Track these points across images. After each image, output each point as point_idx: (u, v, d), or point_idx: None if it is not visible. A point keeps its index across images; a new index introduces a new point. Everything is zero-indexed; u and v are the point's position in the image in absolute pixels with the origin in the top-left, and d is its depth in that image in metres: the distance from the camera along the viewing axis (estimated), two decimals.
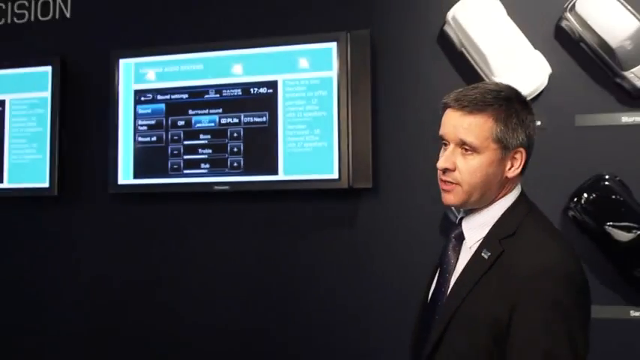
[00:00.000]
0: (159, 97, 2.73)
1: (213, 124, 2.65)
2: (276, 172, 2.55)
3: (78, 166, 2.89)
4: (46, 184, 2.83)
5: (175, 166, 2.68)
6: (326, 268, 2.57)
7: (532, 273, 1.21)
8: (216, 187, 2.62)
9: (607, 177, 2.21)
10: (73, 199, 2.89)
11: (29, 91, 2.90)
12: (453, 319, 1.28)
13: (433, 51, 2.49)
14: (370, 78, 2.50)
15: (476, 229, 1.35)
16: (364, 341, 2.51)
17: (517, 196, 1.36)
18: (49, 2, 3.00)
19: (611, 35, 2.23)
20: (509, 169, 1.32)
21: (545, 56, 2.31)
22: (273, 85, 2.59)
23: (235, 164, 2.61)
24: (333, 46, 2.52)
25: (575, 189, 2.24)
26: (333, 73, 2.51)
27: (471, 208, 1.36)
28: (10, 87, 2.94)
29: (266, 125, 2.58)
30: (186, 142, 2.67)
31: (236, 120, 2.62)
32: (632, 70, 2.21)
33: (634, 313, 2.23)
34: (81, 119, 2.91)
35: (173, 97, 2.71)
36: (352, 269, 2.54)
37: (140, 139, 2.74)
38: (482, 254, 1.30)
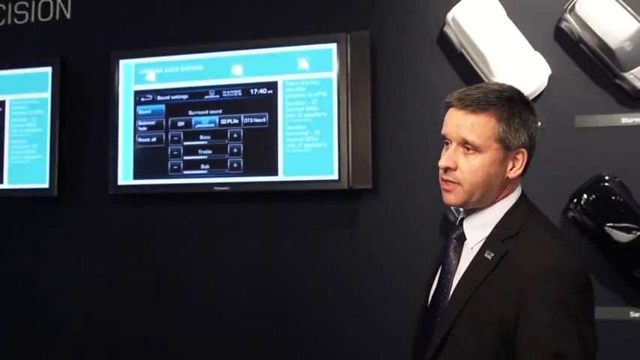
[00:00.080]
0: (159, 97, 2.73)
1: (213, 125, 2.65)
2: (276, 173, 2.56)
3: (78, 166, 2.89)
4: (46, 185, 2.83)
5: (175, 167, 2.68)
6: (326, 269, 2.57)
7: (537, 273, 1.21)
8: (216, 188, 2.62)
9: (607, 178, 2.21)
10: (73, 200, 2.89)
11: (29, 92, 2.90)
12: (458, 320, 1.27)
13: (433, 52, 2.49)
14: (370, 79, 2.51)
15: (478, 229, 1.35)
16: (364, 341, 2.51)
17: (518, 197, 1.36)
18: (49, 3, 3.00)
19: (611, 36, 2.23)
20: (511, 169, 1.32)
21: (544, 57, 2.32)
22: (273, 85, 2.59)
23: (235, 165, 2.61)
24: (333, 47, 2.52)
25: (574, 190, 2.24)
26: (333, 74, 2.52)
27: (471, 208, 1.36)
28: (10, 87, 2.94)
29: (266, 126, 2.58)
30: (186, 143, 2.67)
31: (236, 121, 2.62)
32: (632, 71, 2.21)
33: (634, 314, 2.24)
34: (81, 120, 2.91)
35: (173, 97, 2.71)
36: (352, 269, 2.54)
37: (140, 139, 2.74)
38: (486, 255, 1.29)
